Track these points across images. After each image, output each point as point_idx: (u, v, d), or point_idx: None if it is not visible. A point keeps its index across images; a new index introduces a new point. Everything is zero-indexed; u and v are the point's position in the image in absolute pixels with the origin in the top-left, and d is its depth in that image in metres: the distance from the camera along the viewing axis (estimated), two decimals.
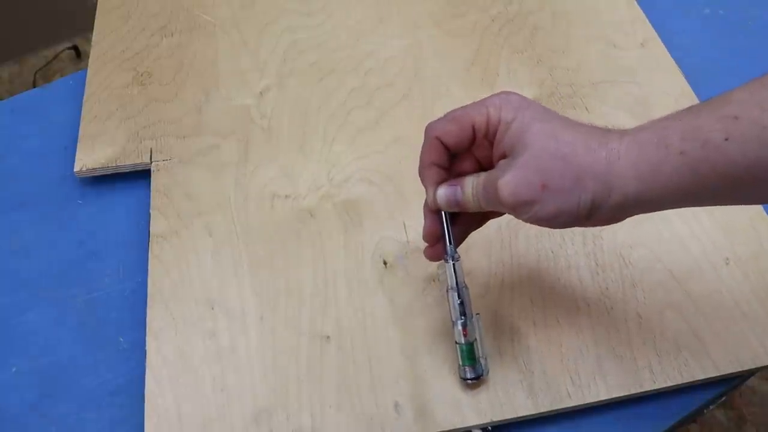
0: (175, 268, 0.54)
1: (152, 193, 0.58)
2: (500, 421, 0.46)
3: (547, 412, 0.47)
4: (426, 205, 0.45)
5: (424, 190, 0.44)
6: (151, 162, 0.60)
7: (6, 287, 0.55)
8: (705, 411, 0.55)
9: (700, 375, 0.47)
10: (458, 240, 0.46)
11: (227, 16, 0.72)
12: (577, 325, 0.50)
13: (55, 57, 1.66)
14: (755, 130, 0.34)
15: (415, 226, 0.55)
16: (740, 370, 0.48)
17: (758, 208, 0.55)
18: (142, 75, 0.67)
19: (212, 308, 0.52)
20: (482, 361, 0.46)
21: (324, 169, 0.59)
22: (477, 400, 0.47)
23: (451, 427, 0.46)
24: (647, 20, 0.69)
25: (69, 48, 1.67)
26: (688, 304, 0.50)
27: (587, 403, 0.47)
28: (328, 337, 0.50)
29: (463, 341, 0.45)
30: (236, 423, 0.47)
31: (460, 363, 0.46)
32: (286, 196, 0.58)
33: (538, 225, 0.40)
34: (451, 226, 0.45)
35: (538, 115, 0.40)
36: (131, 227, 0.58)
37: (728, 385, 0.49)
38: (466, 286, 0.45)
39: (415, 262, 0.53)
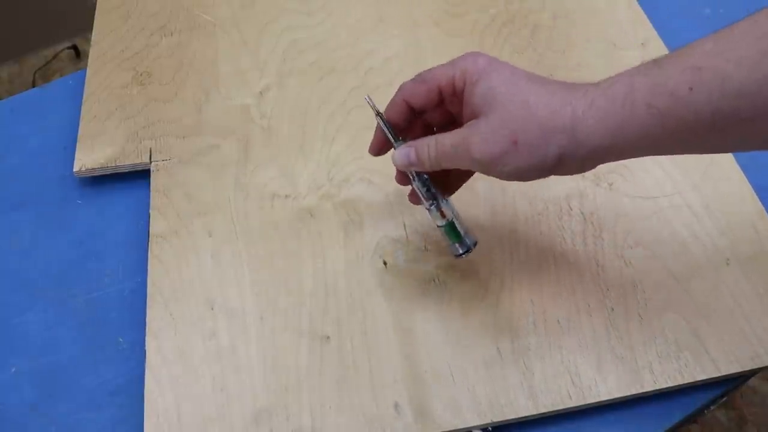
0: (175, 268, 0.54)
1: (152, 193, 0.58)
2: (500, 421, 0.46)
3: (547, 412, 0.46)
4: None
5: None
6: (151, 162, 0.60)
7: (6, 287, 0.55)
8: (706, 411, 0.55)
9: (701, 375, 0.47)
10: (452, 189, 0.49)
11: (227, 15, 0.72)
12: (578, 326, 0.50)
13: (55, 57, 1.66)
14: (717, 81, 0.34)
15: (415, 226, 0.55)
16: (741, 370, 0.48)
17: (759, 209, 0.55)
18: (141, 75, 0.67)
19: (212, 308, 0.52)
20: (467, 236, 0.47)
21: (324, 169, 0.59)
22: (477, 401, 0.47)
23: (452, 428, 0.46)
24: (647, 20, 0.69)
25: (68, 48, 1.67)
26: (688, 305, 0.50)
27: (588, 404, 0.47)
28: (328, 337, 0.50)
29: (443, 222, 0.47)
30: (236, 423, 0.47)
31: (449, 242, 0.47)
32: (286, 196, 0.58)
33: (508, 180, 0.42)
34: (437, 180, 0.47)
35: (505, 75, 0.41)
36: (131, 227, 0.58)
37: (729, 385, 0.49)
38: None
39: (415, 262, 0.53)
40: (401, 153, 0.45)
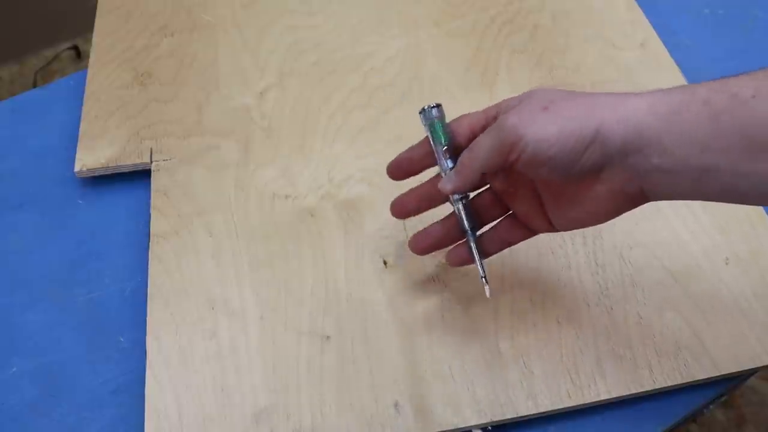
0: (175, 268, 0.54)
1: (152, 193, 0.58)
2: (500, 421, 0.46)
3: (547, 412, 0.47)
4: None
5: None
6: (151, 162, 0.60)
7: (6, 287, 0.55)
8: (705, 411, 0.55)
9: (700, 375, 0.47)
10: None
11: (227, 15, 0.72)
12: (577, 325, 0.50)
13: (56, 57, 1.66)
14: None
15: (415, 226, 0.55)
16: (740, 369, 0.48)
17: (758, 208, 0.55)
18: (142, 75, 0.67)
19: (212, 308, 0.52)
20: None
21: (324, 169, 0.59)
22: (477, 400, 0.47)
23: (451, 427, 0.46)
24: (647, 21, 0.69)
25: (69, 48, 1.67)
26: (687, 304, 0.50)
27: (587, 403, 0.47)
28: (328, 337, 0.50)
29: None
30: (236, 423, 0.47)
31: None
32: (286, 196, 0.58)
33: (540, 166, 0.38)
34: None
35: (540, 87, 0.40)
36: (131, 227, 0.58)
37: (728, 384, 0.49)
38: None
39: (415, 262, 0.53)
40: (448, 176, 0.43)
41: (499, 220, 0.46)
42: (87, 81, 0.66)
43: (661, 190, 0.38)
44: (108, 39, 0.70)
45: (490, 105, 0.43)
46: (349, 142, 0.61)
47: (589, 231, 0.54)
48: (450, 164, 0.44)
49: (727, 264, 0.52)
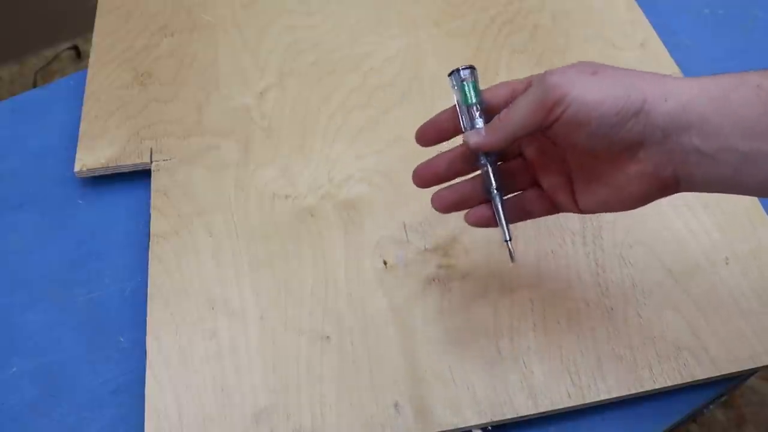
0: (175, 268, 0.54)
1: (152, 193, 0.58)
2: (500, 421, 0.46)
3: (547, 412, 0.47)
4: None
5: (422, 190, 0.44)
6: (151, 162, 0.60)
7: (6, 287, 0.55)
8: (705, 411, 0.55)
9: (700, 375, 0.47)
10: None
11: (227, 15, 0.72)
12: (577, 325, 0.50)
13: (56, 57, 1.66)
14: None
15: (415, 226, 0.55)
16: (740, 369, 0.48)
17: (758, 208, 0.55)
18: (142, 75, 0.67)
19: (212, 308, 0.52)
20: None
21: (324, 169, 0.59)
22: (477, 400, 0.47)
23: (451, 427, 0.46)
24: (647, 21, 0.69)
25: (69, 48, 1.67)
26: (687, 304, 0.50)
27: (587, 403, 0.47)
28: (328, 337, 0.50)
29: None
30: (236, 423, 0.47)
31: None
32: (286, 196, 0.58)
33: (579, 132, 0.36)
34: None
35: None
36: (131, 227, 0.58)
37: (728, 384, 0.49)
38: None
39: (415, 262, 0.53)
40: (478, 131, 0.41)
41: (524, 190, 0.44)
42: (87, 81, 0.66)
43: (698, 178, 0.36)
44: (108, 39, 0.70)
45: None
46: (349, 142, 0.61)
47: (589, 231, 0.54)
48: (482, 123, 0.41)
49: (727, 263, 0.52)
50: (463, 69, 0.42)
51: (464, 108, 0.42)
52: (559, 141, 0.40)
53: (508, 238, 0.42)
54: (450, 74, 0.43)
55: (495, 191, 0.42)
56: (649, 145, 0.36)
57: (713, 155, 0.35)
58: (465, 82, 0.42)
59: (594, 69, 0.37)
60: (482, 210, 0.43)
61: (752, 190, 0.36)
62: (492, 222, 0.43)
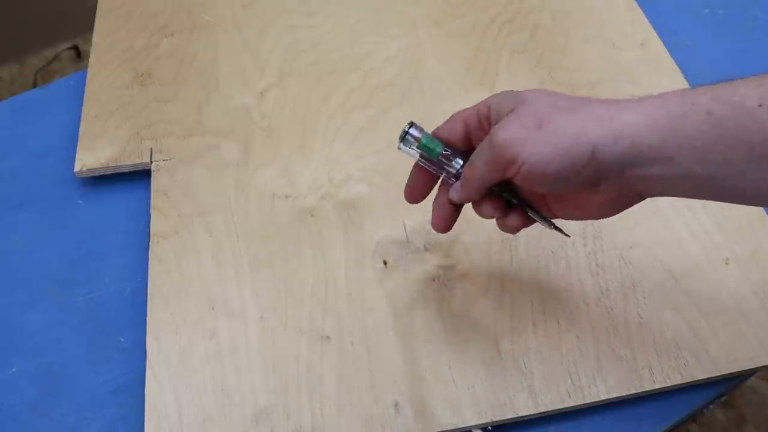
0: (176, 268, 0.54)
1: (152, 193, 0.58)
2: (500, 421, 0.46)
3: (547, 412, 0.47)
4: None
5: None
6: (151, 162, 0.60)
7: (6, 287, 0.55)
8: (705, 411, 0.55)
9: (700, 375, 0.47)
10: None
11: (227, 15, 0.72)
12: (577, 326, 0.50)
13: (56, 57, 1.66)
14: None
15: (415, 226, 0.55)
16: (740, 369, 0.48)
17: (758, 208, 0.55)
18: (142, 75, 0.67)
19: (212, 308, 0.52)
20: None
21: (324, 169, 0.59)
22: (477, 400, 0.47)
23: (451, 427, 0.46)
24: (647, 21, 0.69)
25: (69, 48, 1.67)
26: (687, 304, 0.50)
27: (587, 403, 0.47)
28: (328, 337, 0.50)
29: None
30: (236, 423, 0.47)
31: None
32: (286, 196, 0.58)
33: (536, 184, 0.38)
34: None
35: (535, 90, 0.40)
36: (132, 227, 0.58)
37: (728, 384, 0.49)
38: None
39: (415, 262, 0.53)
40: (455, 187, 0.43)
41: None
42: (87, 81, 0.66)
43: (664, 194, 0.38)
44: (108, 39, 0.70)
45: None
46: (349, 142, 0.61)
47: (589, 231, 0.54)
48: (460, 162, 0.43)
49: (727, 264, 0.52)
50: (409, 129, 0.44)
51: (434, 160, 0.44)
52: (524, 187, 0.41)
53: (552, 226, 0.44)
54: (401, 140, 0.44)
55: (521, 203, 0.43)
56: (607, 180, 0.37)
57: (672, 180, 0.36)
58: (422, 139, 0.43)
59: (538, 120, 0.37)
60: (516, 219, 0.44)
61: (716, 200, 0.38)
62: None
